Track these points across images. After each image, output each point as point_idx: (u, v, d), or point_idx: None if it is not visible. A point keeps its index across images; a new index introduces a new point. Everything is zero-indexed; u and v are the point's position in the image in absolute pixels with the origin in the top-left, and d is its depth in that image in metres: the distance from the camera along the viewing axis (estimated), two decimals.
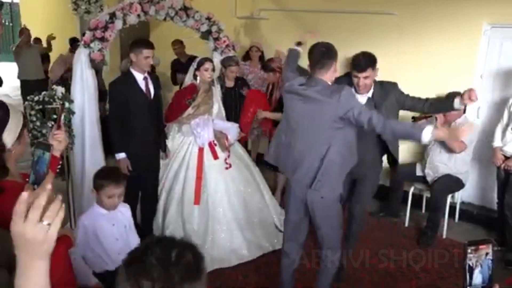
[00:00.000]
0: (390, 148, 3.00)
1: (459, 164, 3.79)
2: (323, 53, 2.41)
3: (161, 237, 0.97)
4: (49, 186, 1.00)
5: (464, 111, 3.84)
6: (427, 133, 2.21)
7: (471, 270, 1.10)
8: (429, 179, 3.93)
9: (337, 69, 2.55)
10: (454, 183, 3.79)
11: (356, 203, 3.16)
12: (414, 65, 4.30)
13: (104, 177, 2.36)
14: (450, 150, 3.71)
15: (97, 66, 3.46)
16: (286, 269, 2.74)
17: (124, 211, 2.51)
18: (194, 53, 5.08)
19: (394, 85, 3.01)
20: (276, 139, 2.70)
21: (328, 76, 2.44)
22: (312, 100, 2.39)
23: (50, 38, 7.33)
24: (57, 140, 1.69)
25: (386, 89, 2.97)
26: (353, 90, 2.48)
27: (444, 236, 3.88)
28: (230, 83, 4.22)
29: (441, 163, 3.83)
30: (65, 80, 5.70)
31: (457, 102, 2.69)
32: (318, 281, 2.69)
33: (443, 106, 2.95)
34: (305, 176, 2.46)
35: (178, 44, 5.81)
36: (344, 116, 2.32)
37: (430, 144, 3.94)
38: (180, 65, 5.68)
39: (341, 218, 2.62)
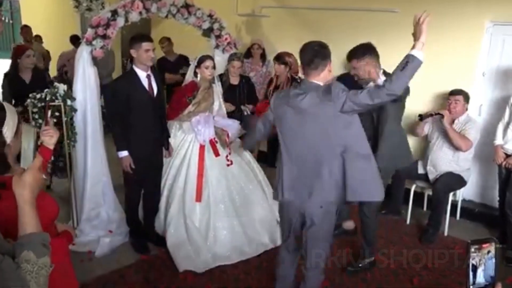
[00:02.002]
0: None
1: (461, 161, 3.80)
2: (316, 52, 2.25)
3: None
4: (37, 164, 1.28)
5: (467, 109, 3.85)
6: (419, 53, 2.19)
7: (475, 269, 1.10)
8: (431, 177, 3.93)
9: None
10: (456, 181, 3.80)
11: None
12: None
13: None
14: (455, 148, 3.72)
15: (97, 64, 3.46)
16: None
17: None
18: (195, 51, 5.07)
19: None
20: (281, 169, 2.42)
21: (322, 77, 2.29)
22: (304, 111, 2.25)
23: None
24: (48, 136, 1.84)
25: None
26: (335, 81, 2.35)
27: (445, 234, 3.88)
28: (234, 80, 4.20)
29: (444, 161, 3.83)
30: (62, 75, 5.65)
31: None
32: None
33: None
34: (326, 187, 2.30)
35: (166, 41, 5.75)
36: (343, 109, 2.18)
37: (432, 141, 3.95)
38: (168, 64, 5.64)
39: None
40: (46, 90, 3.22)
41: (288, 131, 2.35)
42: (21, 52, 4.26)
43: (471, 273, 1.10)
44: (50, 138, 1.84)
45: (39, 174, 1.27)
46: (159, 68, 5.73)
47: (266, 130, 2.65)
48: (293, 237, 2.55)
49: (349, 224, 3.30)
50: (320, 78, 2.29)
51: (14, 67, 4.29)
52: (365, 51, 2.89)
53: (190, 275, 3.11)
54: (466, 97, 3.81)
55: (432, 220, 3.79)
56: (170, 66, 5.60)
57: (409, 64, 2.18)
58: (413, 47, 2.19)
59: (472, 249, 1.10)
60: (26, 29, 6.98)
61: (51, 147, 1.85)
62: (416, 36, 2.21)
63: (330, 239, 2.52)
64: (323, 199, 2.34)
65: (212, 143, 3.66)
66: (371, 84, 2.30)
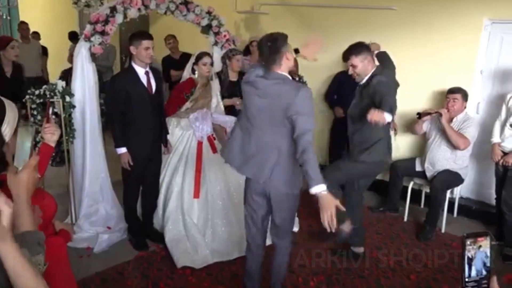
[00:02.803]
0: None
1: (459, 159, 3.81)
2: (269, 48, 2.33)
3: None
4: (33, 162, 1.23)
5: (465, 107, 3.86)
6: (315, 190, 2.18)
7: (470, 262, 1.11)
8: (428, 174, 3.95)
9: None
10: (453, 178, 3.81)
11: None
12: (413, 61, 4.30)
13: None
14: (454, 146, 3.73)
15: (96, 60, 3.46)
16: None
17: None
18: (193, 47, 5.07)
19: (380, 81, 2.89)
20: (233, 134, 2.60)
21: (284, 67, 2.37)
22: (269, 94, 2.33)
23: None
24: (49, 133, 1.82)
25: (373, 82, 2.93)
26: (311, 93, 2.37)
27: (443, 231, 3.90)
28: (233, 76, 4.19)
29: (442, 159, 3.84)
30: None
31: None
32: (278, 273, 2.73)
33: None
34: (260, 169, 2.42)
35: (172, 38, 5.74)
36: (288, 116, 2.25)
37: (430, 139, 3.96)
38: (173, 62, 5.61)
39: (296, 207, 2.62)
40: (44, 86, 3.22)
41: (252, 111, 2.42)
42: (5, 43, 3.95)
43: (466, 266, 1.12)
44: (51, 136, 1.82)
45: (34, 173, 1.24)
46: (165, 66, 5.72)
47: None
48: (261, 214, 2.66)
49: (359, 249, 3.36)
50: (283, 68, 2.38)
51: None
52: (361, 47, 2.96)
53: (189, 271, 3.12)
54: (465, 95, 3.82)
55: (429, 217, 3.81)
56: (175, 64, 5.57)
57: (312, 179, 2.21)
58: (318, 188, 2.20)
59: (468, 242, 1.11)
60: (23, 25, 6.91)
61: (53, 144, 1.84)
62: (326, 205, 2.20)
63: (294, 208, 2.60)
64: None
65: (210, 139, 3.66)
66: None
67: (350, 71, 3.01)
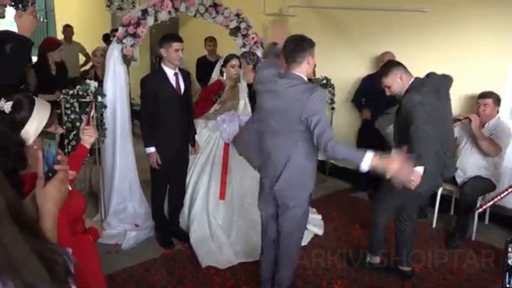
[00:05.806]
0: None
1: (492, 166, 3.70)
2: (295, 46, 2.34)
3: None
4: (60, 176, 1.18)
5: (498, 112, 3.74)
6: (366, 162, 2.10)
7: (510, 270, 1.06)
8: (459, 180, 3.84)
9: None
10: (485, 184, 3.70)
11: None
12: (444, 65, 4.18)
13: None
14: (485, 153, 3.62)
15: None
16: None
17: None
18: (222, 50, 5.11)
19: (410, 100, 2.70)
20: (247, 127, 2.69)
21: (303, 69, 2.37)
22: (283, 96, 2.33)
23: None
24: (88, 135, 1.90)
25: (404, 100, 2.76)
26: (325, 94, 2.40)
27: (473, 239, 3.79)
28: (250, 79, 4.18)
29: (473, 165, 3.73)
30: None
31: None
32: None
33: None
34: (271, 174, 2.45)
35: (212, 40, 5.80)
36: (304, 120, 2.23)
37: (461, 145, 3.86)
38: (208, 64, 5.60)
39: (305, 224, 2.60)
40: (78, 86, 3.32)
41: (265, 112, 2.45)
42: (56, 46, 4.21)
43: (507, 273, 1.07)
44: (89, 138, 1.91)
45: (62, 186, 1.20)
46: (199, 66, 5.77)
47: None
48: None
49: (406, 268, 3.17)
50: (301, 69, 2.38)
51: (44, 58, 4.13)
52: (387, 66, 2.87)
53: (213, 270, 3.15)
54: (497, 100, 3.70)
55: (459, 224, 3.71)
56: (209, 66, 5.58)
57: (356, 159, 2.16)
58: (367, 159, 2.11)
59: (510, 249, 1.06)
60: (68, 28, 7.17)
61: (88, 146, 1.93)
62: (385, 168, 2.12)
63: (299, 227, 2.56)
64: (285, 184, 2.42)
65: None
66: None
67: (387, 92, 2.86)
